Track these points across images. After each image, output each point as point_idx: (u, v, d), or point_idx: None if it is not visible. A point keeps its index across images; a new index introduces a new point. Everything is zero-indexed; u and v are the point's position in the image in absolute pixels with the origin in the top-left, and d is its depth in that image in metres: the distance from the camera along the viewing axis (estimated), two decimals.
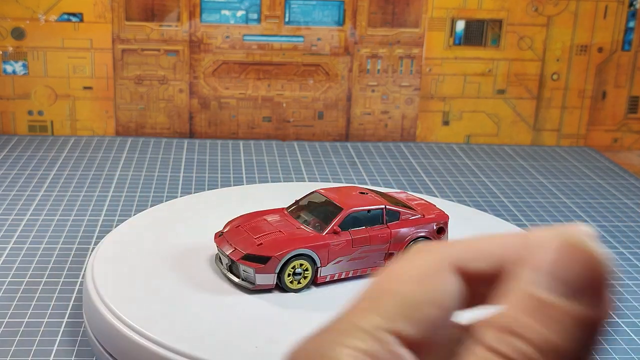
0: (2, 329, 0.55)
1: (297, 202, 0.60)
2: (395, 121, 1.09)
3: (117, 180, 0.87)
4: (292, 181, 0.90)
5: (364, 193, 0.59)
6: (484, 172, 0.97)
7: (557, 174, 0.98)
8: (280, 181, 0.90)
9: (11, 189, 0.83)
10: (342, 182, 0.90)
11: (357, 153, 1.03)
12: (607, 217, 0.83)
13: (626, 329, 0.60)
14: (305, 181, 0.90)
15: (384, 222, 0.56)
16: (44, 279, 0.63)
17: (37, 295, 0.60)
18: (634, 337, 0.58)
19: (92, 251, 0.67)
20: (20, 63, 1.02)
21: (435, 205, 0.61)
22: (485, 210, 0.83)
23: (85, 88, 1.03)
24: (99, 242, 0.64)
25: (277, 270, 0.53)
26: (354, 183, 0.90)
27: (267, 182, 0.89)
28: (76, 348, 0.53)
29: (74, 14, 1.00)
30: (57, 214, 0.77)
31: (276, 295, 0.53)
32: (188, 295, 0.53)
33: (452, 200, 0.85)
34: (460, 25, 1.06)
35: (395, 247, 0.56)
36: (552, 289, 0.21)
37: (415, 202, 0.61)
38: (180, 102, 1.05)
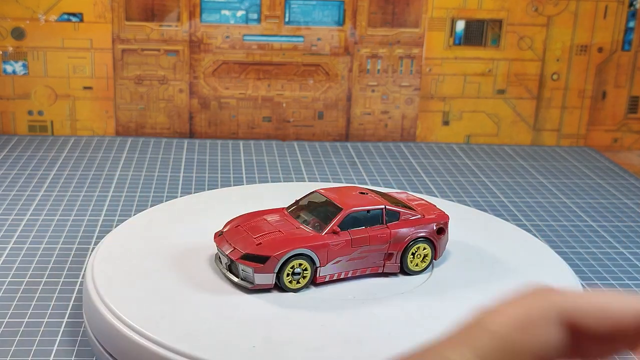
0: (2, 329, 0.55)
1: (297, 202, 0.60)
2: (395, 121, 1.09)
3: (117, 180, 0.87)
4: (292, 181, 0.90)
5: (364, 193, 0.59)
6: (484, 172, 0.97)
7: (557, 174, 0.98)
8: (280, 181, 0.90)
9: (11, 189, 0.83)
10: (342, 182, 0.90)
11: (357, 153, 1.03)
12: (607, 217, 0.83)
13: None
14: (305, 181, 0.90)
15: (384, 222, 0.56)
16: (44, 279, 0.63)
17: (37, 295, 0.60)
18: None
19: (92, 251, 0.67)
20: (20, 63, 1.02)
21: (435, 206, 0.61)
22: (485, 210, 0.83)
23: (85, 88, 1.03)
24: (99, 242, 0.64)
25: (276, 270, 0.53)
26: (354, 183, 0.90)
27: (267, 182, 0.89)
28: (76, 348, 0.53)
29: (74, 14, 1.01)
30: (57, 214, 0.77)
31: (275, 295, 0.53)
32: (188, 295, 0.53)
33: (452, 200, 0.85)
34: (460, 25, 1.06)
35: (394, 247, 0.56)
36: None
37: (416, 203, 0.61)
38: (180, 102, 1.05)
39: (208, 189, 0.86)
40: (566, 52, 1.09)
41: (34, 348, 0.53)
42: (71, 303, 0.59)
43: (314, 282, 0.55)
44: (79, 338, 0.55)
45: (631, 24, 1.09)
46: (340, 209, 0.56)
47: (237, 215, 0.59)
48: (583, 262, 0.71)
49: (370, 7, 1.04)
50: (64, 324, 0.56)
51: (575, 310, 0.22)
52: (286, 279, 0.53)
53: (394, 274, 0.58)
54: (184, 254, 0.59)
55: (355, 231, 0.55)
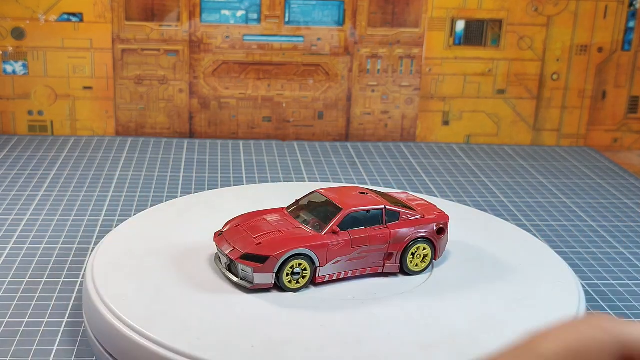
0: (2, 329, 0.55)
1: (297, 202, 0.60)
2: (395, 121, 1.09)
3: (117, 180, 0.87)
4: (292, 181, 0.90)
5: (364, 193, 0.59)
6: (484, 172, 0.98)
7: (557, 174, 0.98)
8: (280, 181, 0.90)
9: (11, 189, 0.83)
10: (342, 182, 0.90)
11: (357, 153, 1.03)
12: (607, 217, 0.83)
13: None
14: (305, 181, 0.90)
15: (384, 223, 0.56)
16: (44, 279, 0.63)
17: (37, 295, 0.60)
18: None
19: (92, 251, 0.67)
20: (20, 63, 1.02)
21: (435, 206, 0.61)
22: (485, 210, 0.83)
23: (85, 88, 1.03)
24: (99, 242, 0.64)
25: (275, 270, 0.53)
26: (354, 183, 0.90)
27: (267, 182, 0.89)
28: (76, 348, 0.53)
29: (74, 14, 1.01)
30: (57, 214, 0.77)
31: (275, 295, 0.53)
32: (188, 295, 0.53)
33: (452, 200, 0.85)
34: (460, 25, 1.06)
35: (394, 247, 0.56)
36: None
37: (416, 203, 0.61)
38: (180, 102, 1.05)
39: (208, 189, 0.86)
40: (566, 52, 1.09)
41: (34, 348, 0.53)
42: (71, 303, 0.59)
43: (313, 282, 0.55)
44: (79, 338, 0.55)
45: (631, 24, 1.09)
46: (340, 209, 0.56)
47: (237, 215, 0.59)
48: (583, 262, 0.71)
49: (370, 7, 1.04)
50: (64, 324, 0.56)
51: (633, 343, 0.21)
52: (285, 279, 0.53)
53: (394, 274, 0.58)
54: (184, 254, 0.59)
55: (355, 231, 0.55)
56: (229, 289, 0.54)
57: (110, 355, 0.50)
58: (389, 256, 0.57)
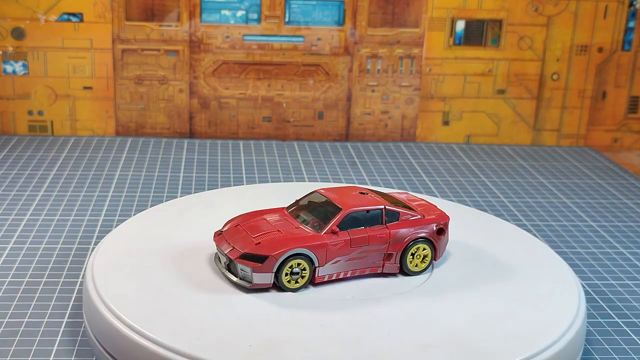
0: (2, 329, 0.55)
1: (297, 201, 0.60)
2: (395, 121, 1.09)
3: (117, 180, 0.87)
4: (292, 181, 0.90)
5: (364, 193, 0.59)
6: (484, 172, 0.98)
7: (557, 174, 0.98)
8: (280, 181, 0.90)
9: (11, 189, 0.83)
10: (342, 182, 0.90)
11: (357, 153, 1.03)
12: (607, 217, 0.83)
13: (626, 329, 0.60)
14: (305, 181, 0.90)
15: (383, 223, 0.56)
16: (44, 279, 0.63)
17: (37, 295, 0.60)
18: (634, 337, 0.58)
19: (92, 251, 0.67)
20: (20, 63, 1.02)
21: (436, 206, 0.61)
22: (485, 210, 0.83)
23: (85, 88, 1.03)
24: (99, 242, 0.64)
25: (274, 270, 0.53)
26: (354, 183, 0.90)
27: (267, 182, 0.89)
28: (76, 348, 0.54)
29: (74, 14, 1.01)
30: (57, 214, 0.77)
31: (274, 295, 0.53)
32: (188, 295, 0.53)
33: (452, 200, 0.86)
34: (460, 25, 1.06)
35: (394, 247, 0.56)
36: None
37: (416, 203, 0.61)
38: (180, 102, 1.05)
39: (208, 189, 0.86)
40: (566, 52, 1.09)
41: (34, 348, 0.53)
42: (71, 303, 0.59)
43: (312, 282, 0.55)
44: (79, 338, 0.55)
45: (631, 24, 1.09)
46: (339, 209, 0.56)
47: (237, 215, 0.59)
48: (583, 262, 0.71)
49: (370, 7, 1.04)
50: (64, 324, 0.56)
51: None
52: (284, 279, 0.53)
53: (394, 275, 0.58)
54: (183, 254, 0.59)
55: (355, 231, 0.55)
56: (229, 288, 0.54)
57: (110, 355, 0.50)
58: (388, 256, 0.57)
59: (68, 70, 1.02)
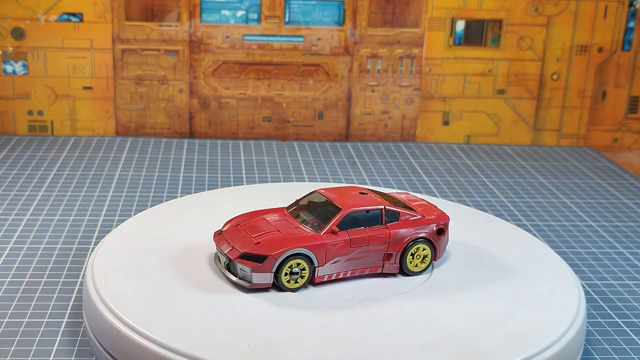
0: (2, 329, 0.55)
1: (297, 201, 0.60)
2: (395, 121, 1.09)
3: (117, 180, 0.87)
4: (292, 181, 0.90)
5: (364, 193, 0.59)
6: (484, 172, 0.98)
7: (557, 174, 0.98)
8: (280, 181, 0.90)
9: (11, 189, 0.83)
10: (342, 182, 0.90)
11: (357, 153, 1.03)
12: (607, 217, 0.83)
13: (626, 329, 0.60)
14: (305, 181, 0.90)
15: (383, 223, 0.56)
16: (44, 279, 0.63)
17: (37, 295, 0.60)
18: (634, 337, 0.59)
19: (92, 251, 0.67)
20: (20, 63, 1.02)
21: (436, 207, 0.61)
22: (485, 210, 0.83)
23: (85, 88, 1.03)
24: (99, 242, 0.64)
25: (273, 270, 0.53)
26: (354, 183, 0.90)
27: (267, 182, 0.89)
28: (76, 348, 0.54)
29: (74, 14, 1.01)
30: (57, 214, 0.77)
31: (273, 295, 0.53)
32: (188, 295, 0.53)
33: (452, 200, 0.86)
34: (460, 25, 1.06)
35: (394, 247, 0.56)
36: None
37: (416, 203, 0.61)
38: (180, 102, 1.05)
39: (208, 189, 0.86)
40: (566, 52, 1.09)
41: (34, 348, 0.53)
42: (71, 303, 0.59)
43: (312, 282, 0.55)
44: (79, 338, 0.55)
45: (631, 24, 1.09)
46: (339, 209, 0.56)
47: (237, 215, 0.59)
48: (583, 262, 0.71)
49: (370, 7, 1.04)
50: (64, 324, 0.57)
51: None
52: (284, 279, 0.53)
53: (393, 275, 0.58)
54: (183, 254, 0.59)
55: (354, 231, 0.55)
56: (229, 288, 0.54)
57: (110, 355, 0.50)
58: (388, 256, 0.57)
59: (68, 70, 1.02)
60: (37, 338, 0.54)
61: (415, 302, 0.54)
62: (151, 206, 0.78)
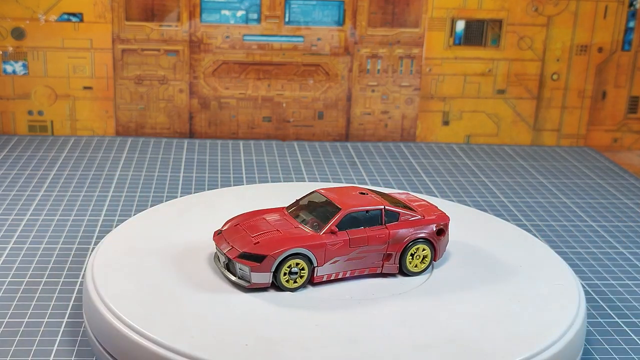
0: (2, 329, 0.55)
1: (297, 201, 0.60)
2: (395, 121, 1.09)
3: (117, 180, 0.87)
4: (292, 181, 0.90)
5: (364, 193, 0.59)
6: (484, 172, 0.98)
7: (557, 174, 0.98)
8: (280, 181, 0.90)
9: (11, 189, 0.83)
10: (342, 182, 0.90)
11: (357, 153, 1.03)
12: (607, 217, 0.83)
13: (626, 329, 0.60)
14: (305, 181, 0.90)
15: (383, 223, 0.56)
16: (44, 279, 0.63)
17: (37, 295, 0.60)
18: (634, 337, 0.59)
19: (92, 251, 0.67)
20: (20, 63, 1.02)
21: (436, 207, 0.61)
22: (485, 210, 0.83)
23: (85, 88, 1.03)
24: (99, 242, 0.64)
25: (272, 269, 0.53)
26: (354, 183, 0.90)
27: (267, 182, 0.89)
28: (76, 348, 0.54)
29: (74, 14, 1.01)
30: (57, 214, 0.77)
31: (272, 294, 0.53)
32: (188, 295, 0.53)
33: (452, 200, 0.86)
34: (460, 25, 1.06)
35: (393, 247, 0.56)
36: None
37: (416, 203, 0.61)
38: (180, 102, 1.05)
39: (208, 189, 0.86)
40: (566, 52, 1.09)
41: (34, 348, 0.53)
42: (71, 303, 0.59)
43: (311, 281, 0.55)
44: (79, 338, 0.55)
45: (631, 24, 1.09)
46: (338, 209, 0.56)
47: (237, 215, 0.59)
48: (583, 262, 0.71)
49: (370, 7, 1.04)
50: (64, 324, 0.57)
51: None
52: (283, 278, 0.53)
53: (393, 275, 0.58)
54: (183, 254, 0.59)
55: (354, 231, 0.55)
56: (228, 288, 0.54)
57: (110, 355, 0.50)
58: (388, 257, 0.57)
59: (68, 70, 1.02)
60: (37, 338, 0.54)
61: (415, 302, 0.54)
62: (151, 206, 0.78)
